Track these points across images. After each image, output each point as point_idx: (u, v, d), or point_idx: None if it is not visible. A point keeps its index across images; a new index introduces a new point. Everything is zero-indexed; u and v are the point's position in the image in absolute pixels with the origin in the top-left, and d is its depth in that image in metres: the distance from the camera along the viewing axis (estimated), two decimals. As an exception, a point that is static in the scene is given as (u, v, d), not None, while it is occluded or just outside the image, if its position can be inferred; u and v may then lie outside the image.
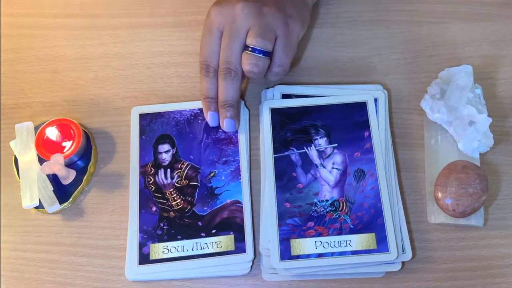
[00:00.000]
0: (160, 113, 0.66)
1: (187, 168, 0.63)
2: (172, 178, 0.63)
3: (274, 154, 0.63)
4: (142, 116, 0.66)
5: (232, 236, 0.60)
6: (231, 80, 0.61)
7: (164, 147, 0.64)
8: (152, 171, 0.63)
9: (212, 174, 0.63)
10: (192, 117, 0.65)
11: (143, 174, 0.63)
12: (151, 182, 0.63)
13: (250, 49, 0.60)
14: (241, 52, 0.60)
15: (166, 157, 0.64)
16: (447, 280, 0.59)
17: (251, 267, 0.59)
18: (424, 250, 0.60)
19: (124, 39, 0.71)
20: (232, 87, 0.61)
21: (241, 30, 0.60)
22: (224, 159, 0.63)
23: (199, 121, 0.65)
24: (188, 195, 0.62)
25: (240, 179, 0.62)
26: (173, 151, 0.64)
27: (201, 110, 0.66)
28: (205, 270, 0.59)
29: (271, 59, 0.61)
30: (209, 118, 0.63)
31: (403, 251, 0.59)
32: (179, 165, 0.63)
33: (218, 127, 0.64)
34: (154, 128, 0.65)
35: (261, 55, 0.60)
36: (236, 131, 0.64)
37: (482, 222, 0.60)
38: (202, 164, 0.63)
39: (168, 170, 0.63)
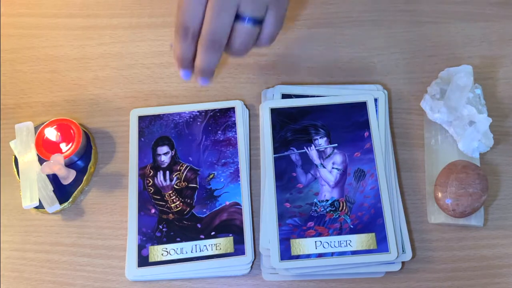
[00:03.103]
0: (159, 115, 0.66)
1: (186, 170, 0.63)
2: (171, 180, 0.63)
3: (274, 154, 0.63)
4: (141, 118, 0.66)
5: (232, 238, 0.60)
6: (214, 52, 0.54)
7: (163, 149, 0.64)
8: (151, 173, 0.63)
9: (211, 176, 0.63)
10: (191, 119, 0.65)
11: (142, 176, 0.63)
12: (150, 184, 0.63)
13: (243, 19, 0.54)
14: (231, 24, 0.54)
15: (165, 159, 0.64)
16: (447, 280, 0.59)
17: (251, 267, 0.60)
18: (424, 250, 0.60)
19: (124, 39, 0.71)
20: (214, 59, 0.55)
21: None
22: (223, 160, 0.63)
23: (198, 123, 0.65)
24: (187, 197, 0.62)
25: (239, 180, 0.62)
26: (172, 153, 0.64)
27: (200, 112, 0.66)
28: (204, 272, 0.59)
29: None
30: (183, 74, 0.57)
31: (403, 251, 0.59)
32: (178, 167, 0.63)
33: (218, 129, 0.64)
34: (153, 130, 0.65)
35: (254, 26, 0.54)
36: (235, 133, 0.64)
37: (482, 222, 0.60)
38: (201, 166, 0.63)
39: (167, 172, 0.63)
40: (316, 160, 0.63)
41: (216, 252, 0.59)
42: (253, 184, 0.63)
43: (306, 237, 0.59)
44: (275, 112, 0.65)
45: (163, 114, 0.66)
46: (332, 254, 0.58)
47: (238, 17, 0.53)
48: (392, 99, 0.67)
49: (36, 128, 0.64)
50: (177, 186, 0.62)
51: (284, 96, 0.66)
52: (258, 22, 0.54)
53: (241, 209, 0.61)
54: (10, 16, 0.73)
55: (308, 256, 0.58)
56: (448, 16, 0.71)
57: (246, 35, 0.54)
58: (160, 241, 0.60)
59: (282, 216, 0.60)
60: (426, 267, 0.60)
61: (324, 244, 0.58)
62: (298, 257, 0.58)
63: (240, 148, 0.64)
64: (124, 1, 0.74)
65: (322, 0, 0.73)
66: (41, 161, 0.62)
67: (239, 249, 0.59)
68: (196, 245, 0.60)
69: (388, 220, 0.59)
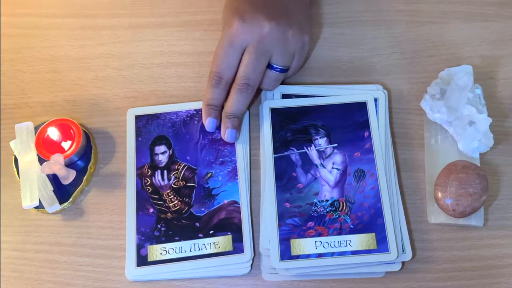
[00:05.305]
0: (156, 114, 0.66)
1: (184, 169, 0.63)
2: (169, 179, 0.63)
3: (274, 154, 0.63)
4: (138, 118, 0.66)
5: (230, 236, 0.60)
6: (246, 95, 0.62)
7: (161, 148, 0.64)
8: (149, 173, 0.63)
9: (209, 175, 0.63)
10: (188, 118, 0.65)
11: (140, 176, 0.63)
12: (148, 183, 0.63)
13: (274, 68, 0.63)
14: (263, 71, 0.62)
15: (163, 159, 0.64)
16: (447, 280, 0.59)
17: (251, 266, 0.60)
18: (424, 250, 0.60)
19: (124, 39, 0.71)
20: (245, 102, 0.62)
21: (267, 51, 0.61)
22: (220, 159, 0.63)
23: (195, 122, 0.65)
24: (185, 196, 0.62)
25: (237, 179, 0.62)
26: (169, 152, 0.64)
27: (197, 111, 0.66)
28: (203, 271, 0.59)
29: None
30: (208, 123, 0.63)
31: (403, 251, 0.59)
32: (176, 166, 0.63)
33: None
34: (150, 130, 0.65)
35: (282, 73, 0.64)
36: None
37: (482, 222, 0.60)
38: (199, 165, 0.63)
39: (165, 172, 0.63)
40: (316, 160, 0.63)
41: (215, 251, 0.59)
42: (253, 184, 0.63)
43: (306, 237, 0.59)
44: (275, 112, 0.65)
45: (160, 113, 0.66)
46: (332, 254, 0.58)
47: (269, 64, 0.62)
48: (392, 99, 0.67)
49: (36, 128, 0.64)
50: (175, 185, 0.62)
51: (284, 96, 0.66)
52: (286, 70, 0.64)
53: (239, 207, 0.61)
54: (10, 16, 0.73)
55: (308, 256, 0.58)
56: (448, 16, 0.71)
57: (275, 80, 0.64)
58: (158, 241, 0.60)
59: (282, 216, 0.60)
60: (426, 267, 0.60)
61: (324, 244, 0.58)
62: (298, 257, 0.58)
63: (237, 146, 0.64)
64: (124, 1, 0.74)
65: (322, 0, 0.73)
66: (41, 161, 0.62)
67: (238, 247, 0.59)
68: (194, 244, 0.60)
69: (388, 220, 0.59)
